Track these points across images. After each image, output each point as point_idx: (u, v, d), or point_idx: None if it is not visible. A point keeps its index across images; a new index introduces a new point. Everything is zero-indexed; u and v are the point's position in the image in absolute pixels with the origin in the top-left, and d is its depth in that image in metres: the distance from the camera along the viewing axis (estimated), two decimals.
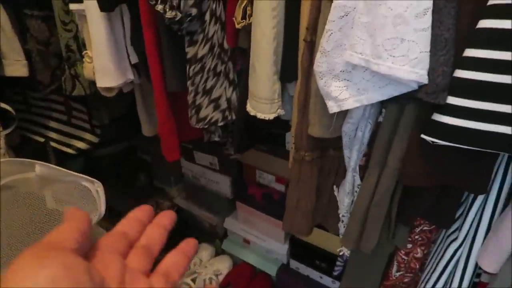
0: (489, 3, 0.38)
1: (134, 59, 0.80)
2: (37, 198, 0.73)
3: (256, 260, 1.22)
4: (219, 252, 1.33)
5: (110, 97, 0.86)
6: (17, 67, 0.91)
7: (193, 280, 1.19)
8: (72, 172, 0.67)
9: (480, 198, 0.55)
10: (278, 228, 1.11)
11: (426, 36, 0.41)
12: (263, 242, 1.17)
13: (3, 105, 0.93)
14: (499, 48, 0.38)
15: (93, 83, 0.83)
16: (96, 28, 0.73)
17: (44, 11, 0.83)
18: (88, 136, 1.14)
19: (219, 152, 1.09)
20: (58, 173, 0.67)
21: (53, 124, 1.16)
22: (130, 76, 0.81)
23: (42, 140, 1.16)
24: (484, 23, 0.39)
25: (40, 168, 0.67)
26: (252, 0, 0.56)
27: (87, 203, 0.69)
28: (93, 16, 0.71)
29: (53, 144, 1.15)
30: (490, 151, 0.42)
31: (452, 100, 0.42)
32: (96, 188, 0.67)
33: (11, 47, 0.88)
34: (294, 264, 1.17)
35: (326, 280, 1.10)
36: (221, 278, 1.23)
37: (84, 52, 0.81)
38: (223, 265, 1.25)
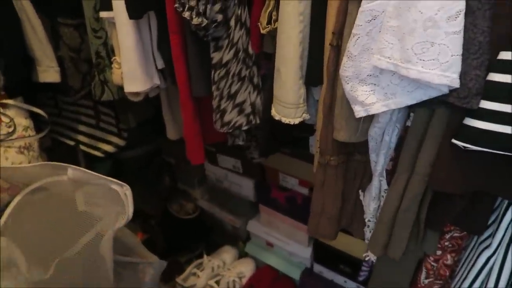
0: None
1: (161, 64, 0.82)
2: (69, 201, 0.76)
3: (279, 263, 1.22)
4: (242, 255, 1.33)
5: (137, 101, 0.88)
6: (50, 73, 0.94)
7: (217, 282, 1.20)
8: (102, 175, 0.69)
9: None
10: (302, 231, 1.11)
11: (458, 39, 0.40)
12: (287, 245, 1.17)
13: (37, 110, 0.97)
14: None
15: (121, 88, 0.86)
16: (125, 35, 0.75)
17: (77, 19, 0.87)
18: (115, 139, 1.17)
19: (243, 155, 1.09)
20: (89, 176, 0.69)
21: (82, 128, 1.20)
22: (157, 81, 0.83)
23: (72, 143, 1.21)
24: None
25: (72, 171, 0.69)
26: (277, 6, 0.57)
27: (116, 205, 0.71)
28: (122, 23, 0.73)
29: (82, 147, 1.19)
30: None
31: (485, 104, 0.41)
32: (125, 192, 0.69)
33: (45, 54, 0.92)
34: (317, 268, 1.16)
35: (350, 284, 1.09)
36: (244, 280, 1.23)
37: (113, 58, 0.84)
38: (246, 268, 1.26)
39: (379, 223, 0.59)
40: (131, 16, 0.70)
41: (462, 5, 0.39)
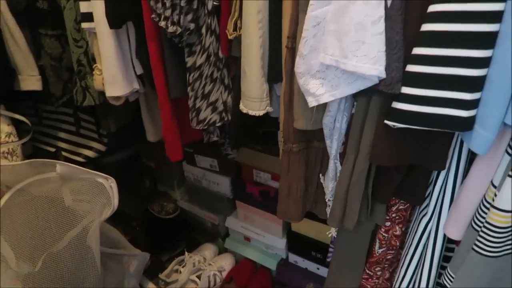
0: (428, 10, 0.48)
1: (139, 70, 0.89)
2: (56, 198, 0.81)
3: (257, 256, 1.30)
4: (222, 250, 1.40)
5: (117, 106, 0.95)
6: (31, 82, 0.99)
7: (198, 277, 1.26)
8: (88, 169, 0.75)
9: (443, 174, 0.64)
10: (276, 223, 1.19)
11: (382, 38, 0.50)
12: (263, 238, 1.25)
13: (19, 117, 1.01)
14: (439, 46, 0.48)
15: (101, 93, 0.92)
16: (106, 43, 0.82)
17: (57, 30, 0.93)
18: (96, 145, 1.22)
19: (219, 153, 1.17)
20: (76, 171, 0.75)
21: (62, 135, 1.24)
22: (136, 85, 0.90)
23: (53, 150, 1.25)
24: (426, 27, 0.48)
25: (60, 167, 0.75)
26: (241, 15, 0.66)
27: (102, 198, 0.78)
28: (103, 32, 0.80)
29: (63, 153, 1.23)
30: (439, 130, 0.51)
31: (405, 89, 0.51)
32: (110, 184, 0.76)
33: (27, 63, 0.96)
34: (292, 258, 1.24)
35: (322, 270, 1.18)
36: (224, 274, 1.30)
37: (94, 65, 0.90)
38: (226, 262, 1.33)
39: (335, 199, 0.69)
40: (111, 26, 0.78)
41: (382, 12, 0.50)
